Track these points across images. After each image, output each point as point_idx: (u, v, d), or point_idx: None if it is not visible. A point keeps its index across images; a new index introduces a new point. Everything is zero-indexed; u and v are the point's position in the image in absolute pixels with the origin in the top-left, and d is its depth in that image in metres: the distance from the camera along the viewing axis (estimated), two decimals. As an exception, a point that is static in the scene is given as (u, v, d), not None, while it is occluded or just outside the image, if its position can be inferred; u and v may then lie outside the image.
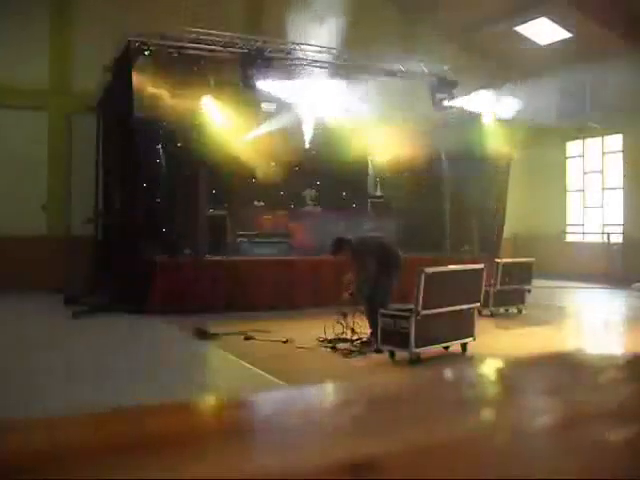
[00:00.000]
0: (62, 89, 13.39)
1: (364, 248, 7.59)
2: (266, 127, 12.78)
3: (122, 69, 10.72)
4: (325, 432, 0.67)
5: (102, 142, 12.58)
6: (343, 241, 7.73)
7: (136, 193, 10.72)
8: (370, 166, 14.85)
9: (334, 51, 11.87)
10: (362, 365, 6.67)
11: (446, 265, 7.53)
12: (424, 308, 6.53)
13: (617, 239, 15.97)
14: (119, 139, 11.14)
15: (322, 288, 10.98)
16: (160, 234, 10.86)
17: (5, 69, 12.69)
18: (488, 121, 13.56)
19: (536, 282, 11.14)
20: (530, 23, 15.72)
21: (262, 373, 6.29)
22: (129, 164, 10.70)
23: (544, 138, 16.99)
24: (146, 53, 10.39)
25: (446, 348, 7.06)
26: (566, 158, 17.77)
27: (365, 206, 14.17)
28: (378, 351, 6.95)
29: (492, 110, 13.57)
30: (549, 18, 15.39)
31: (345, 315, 7.47)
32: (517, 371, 0.99)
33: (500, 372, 0.99)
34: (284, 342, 7.66)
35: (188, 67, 10.98)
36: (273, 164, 12.90)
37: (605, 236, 16.17)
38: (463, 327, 7.15)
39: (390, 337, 6.69)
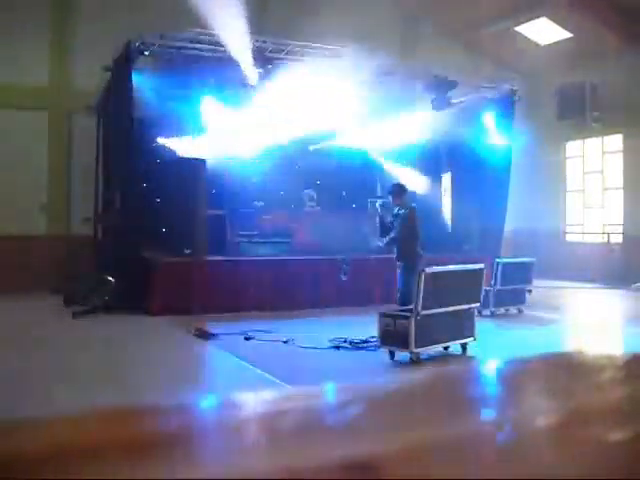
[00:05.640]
0: (62, 89, 13.37)
1: (416, 214, 8.09)
2: (266, 126, 12.75)
3: (122, 69, 10.71)
4: (325, 432, 0.67)
5: (102, 142, 12.57)
6: (405, 188, 8.30)
7: (136, 193, 10.72)
8: (370, 166, 14.82)
9: (334, 50, 11.85)
10: (362, 365, 6.67)
11: (447, 265, 7.54)
12: (424, 308, 6.53)
13: (617, 239, 15.96)
14: (119, 139, 11.14)
15: (322, 288, 10.98)
16: (160, 234, 10.86)
17: (5, 69, 12.68)
18: (488, 120, 13.55)
19: (536, 282, 11.13)
20: (530, 23, 15.71)
21: (262, 373, 6.29)
22: (129, 164, 10.70)
23: (544, 138, 16.98)
24: (146, 53, 10.38)
25: (446, 348, 7.06)
26: (566, 158, 17.76)
27: (365, 206, 14.15)
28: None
29: (492, 110, 13.56)
30: (549, 18, 15.37)
31: None
32: (517, 371, 0.99)
33: (500, 372, 0.99)
34: (284, 342, 7.67)
35: (188, 67, 10.97)
36: (273, 163, 12.89)
37: (605, 236, 16.16)
38: (463, 327, 7.15)
39: (390, 337, 6.68)
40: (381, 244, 8.65)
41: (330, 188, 13.86)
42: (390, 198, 8.57)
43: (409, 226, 8.13)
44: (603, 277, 14.96)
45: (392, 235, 8.24)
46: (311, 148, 13.85)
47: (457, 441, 0.65)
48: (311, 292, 10.83)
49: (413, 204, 8.43)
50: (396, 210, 8.36)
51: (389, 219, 8.50)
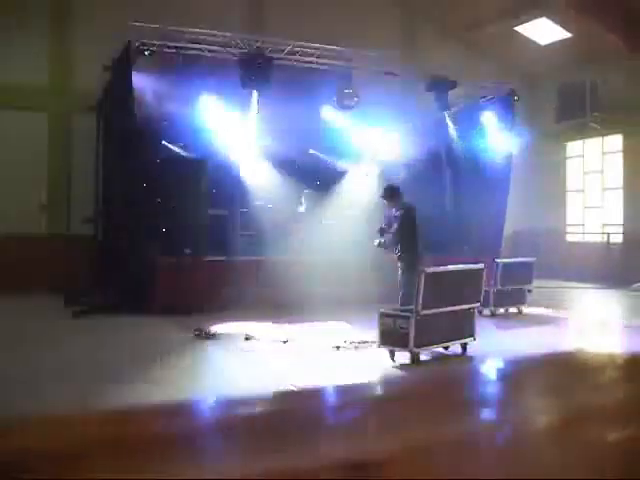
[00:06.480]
0: (62, 89, 13.37)
1: (415, 213, 8.01)
2: (266, 127, 12.75)
3: (122, 69, 10.71)
4: (325, 432, 0.67)
5: (102, 142, 12.57)
6: (398, 190, 8.16)
7: (136, 193, 10.71)
8: (370, 166, 14.82)
9: (335, 51, 11.85)
10: (362, 365, 6.67)
11: (447, 265, 7.53)
12: (424, 308, 6.53)
13: (617, 239, 15.96)
14: (119, 139, 11.14)
15: (322, 288, 10.97)
16: (160, 234, 10.84)
17: (5, 69, 12.68)
18: (488, 120, 13.54)
19: (536, 282, 11.13)
20: (530, 23, 15.70)
21: (262, 373, 6.29)
22: (129, 164, 10.69)
23: (544, 138, 16.99)
24: (146, 53, 10.38)
25: (446, 348, 7.06)
26: (566, 158, 17.76)
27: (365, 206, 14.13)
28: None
29: (492, 110, 13.55)
30: (549, 18, 15.38)
31: None
32: (517, 371, 0.99)
33: (500, 372, 1.00)
34: (284, 342, 7.67)
35: (188, 67, 10.96)
36: (273, 163, 12.89)
37: (605, 236, 16.16)
38: (463, 327, 7.15)
39: (390, 337, 6.68)
40: (375, 243, 8.52)
41: (330, 188, 13.85)
42: (384, 201, 8.40)
43: (408, 226, 8.06)
44: (603, 277, 14.95)
45: (390, 237, 8.14)
46: (311, 151, 13.85)
47: (457, 441, 0.65)
48: (311, 292, 10.81)
49: (411, 204, 8.29)
50: (393, 212, 8.24)
51: (385, 221, 8.38)
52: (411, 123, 13.93)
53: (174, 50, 10.82)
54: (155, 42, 10.55)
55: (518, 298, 10.49)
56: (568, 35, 15.65)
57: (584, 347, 7.82)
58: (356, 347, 7.35)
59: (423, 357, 6.74)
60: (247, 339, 7.86)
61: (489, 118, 13.52)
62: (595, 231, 16.78)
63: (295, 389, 5.04)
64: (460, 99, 13.77)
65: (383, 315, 6.80)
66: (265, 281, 10.63)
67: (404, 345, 6.54)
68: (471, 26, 16.10)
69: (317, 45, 11.73)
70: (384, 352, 6.79)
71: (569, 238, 17.66)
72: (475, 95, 13.79)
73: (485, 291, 8.74)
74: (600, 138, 16.61)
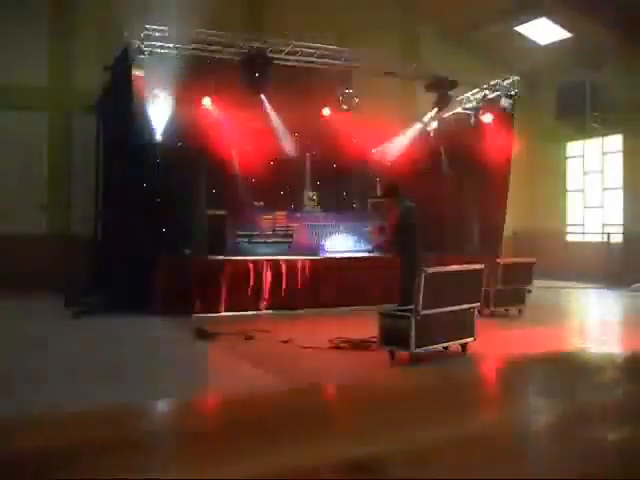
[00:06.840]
0: (62, 89, 13.38)
1: (414, 212, 8.06)
2: (266, 126, 12.76)
3: (122, 69, 10.71)
4: (325, 432, 0.67)
5: (102, 142, 12.57)
6: (397, 189, 8.22)
7: (136, 193, 10.71)
8: (370, 166, 14.83)
9: (335, 51, 11.85)
10: (362, 365, 6.67)
11: (447, 265, 7.53)
12: (424, 308, 6.53)
13: (617, 239, 15.96)
14: (119, 139, 11.14)
15: (322, 288, 10.98)
16: (160, 234, 10.85)
17: (4, 69, 12.68)
18: (488, 121, 13.55)
19: (536, 282, 11.13)
20: (530, 23, 15.71)
21: (262, 373, 6.29)
22: (129, 163, 10.69)
23: (544, 138, 16.98)
24: (146, 53, 10.38)
25: (446, 348, 7.06)
26: (566, 158, 17.76)
27: (365, 206, 14.16)
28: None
29: (492, 110, 13.55)
30: (549, 18, 15.38)
31: None
32: (517, 371, 0.99)
33: (500, 372, 1.00)
34: (284, 342, 7.67)
35: (188, 67, 10.97)
36: (273, 164, 12.90)
37: (605, 236, 16.16)
38: (463, 327, 7.14)
39: (390, 337, 6.68)
40: (371, 246, 8.63)
41: (330, 188, 13.86)
42: (383, 200, 8.55)
43: (407, 225, 8.13)
44: (603, 277, 14.95)
45: (387, 238, 8.25)
46: (312, 147, 13.86)
47: (457, 441, 0.65)
48: (311, 292, 10.82)
49: (410, 203, 8.37)
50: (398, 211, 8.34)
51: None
52: (411, 123, 13.95)
53: (174, 50, 10.82)
54: (155, 42, 10.56)
55: (518, 298, 10.49)
56: (568, 35, 15.65)
57: (584, 347, 7.82)
58: (356, 347, 7.34)
59: (423, 357, 6.73)
60: (247, 339, 7.86)
61: (489, 118, 13.53)
62: (595, 231, 16.78)
63: (294, 388, 5.05)
64: (460, 99, 13.78)
65: (383, 315, 6.80)
66: (265, 281, 10.63)
67: (404, 345, 6.53)
68: (471, 26, 16.09)
69: (317, 45, 11.74)
70: (384, 352, 6.79)
71: (569, 238, 17.66)
72: (475, 95, 13.80)
73: (485, 291, 8.75)
74: (600, 138, 16.60)
